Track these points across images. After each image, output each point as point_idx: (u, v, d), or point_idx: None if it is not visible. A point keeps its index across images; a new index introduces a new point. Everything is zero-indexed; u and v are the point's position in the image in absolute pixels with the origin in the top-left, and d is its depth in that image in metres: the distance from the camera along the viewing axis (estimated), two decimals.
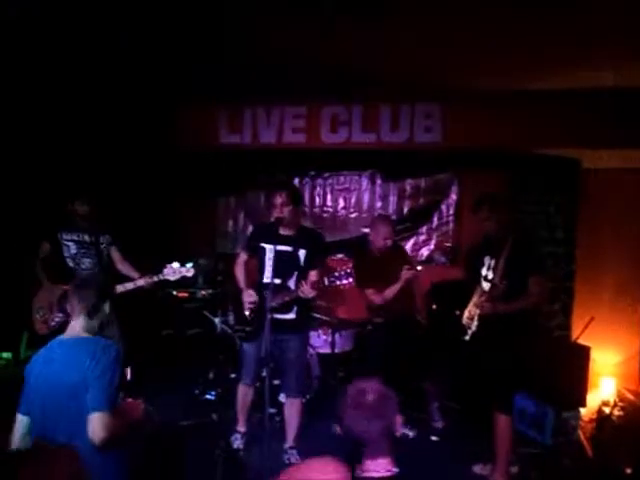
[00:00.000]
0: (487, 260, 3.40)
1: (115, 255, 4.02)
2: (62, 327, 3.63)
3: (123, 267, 3.99)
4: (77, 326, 2.28)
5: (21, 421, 2.20)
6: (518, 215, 4.58)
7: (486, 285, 3.34)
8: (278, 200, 3.36)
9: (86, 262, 3.90)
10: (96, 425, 2.07)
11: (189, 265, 3.68)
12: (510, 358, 3.22)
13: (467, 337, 3.37)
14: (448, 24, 3.08)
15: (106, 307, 2.37)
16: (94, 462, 2.03)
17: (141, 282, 3.70)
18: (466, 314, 3.44)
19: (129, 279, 3.79)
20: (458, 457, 3.62)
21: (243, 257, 3.66)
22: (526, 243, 3.38)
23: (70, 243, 3.90)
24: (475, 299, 3.41)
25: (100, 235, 3.96)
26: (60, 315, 3.66)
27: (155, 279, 3.70)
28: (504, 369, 3.24)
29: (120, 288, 3.64)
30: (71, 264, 3.89)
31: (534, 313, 3.38)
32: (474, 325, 3.34)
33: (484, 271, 3.40)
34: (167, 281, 3.73)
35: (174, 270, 3.66)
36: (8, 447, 2.14)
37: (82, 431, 2.07)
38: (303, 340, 3.66)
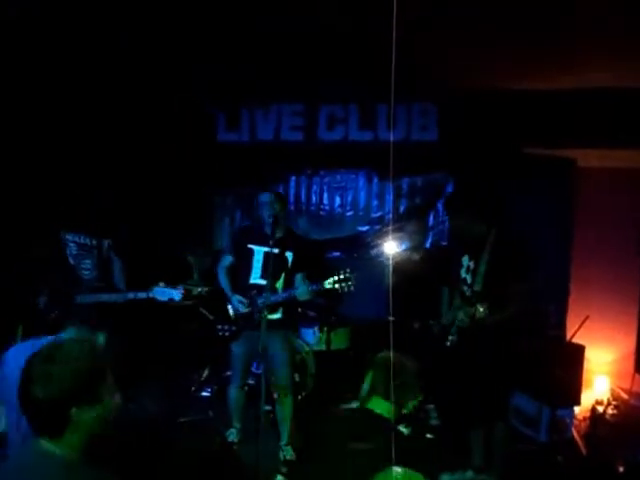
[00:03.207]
0: (466, 261, 3.25)
1: (115, 264, 3.93)
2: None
3: (119, 280, 3.92)
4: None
5: None
6: (514, 214, 4.62)
7: (466, 289, 3.20)
8: (267, 199, 3.41)
9: (86, 264, 3.81)
10: None
11: (179, 289, 3.53)
12: (500, 366, 3.10)
13: (448, 343, 3.20)
14: (446, 22, 3.09)
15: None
16: None
17: (130, 295, 3.56)
18: (445, 319, 3.32)
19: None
20: (452, 454, 3.62)
21: (228, 260, 3.64)
22: (510, 244, 3.13)
23: (71, 244, 3.81)
24: (456, 304, 3.28)
25: (103, 240, 3.89)
26: None
27: (143, 296, 3.54)
28: (496, 377, 3.11)
29: (106, 297, 3.53)
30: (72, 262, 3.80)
31: (522, 315, 3.15)
32: (454, 331, 3.17)
33: (463, 273, 3.25)
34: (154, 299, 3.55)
35: (163, 291, 3.50)
36: None
37: None
38: (288, 339, 3.67)
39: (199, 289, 4.77)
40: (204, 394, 4.51)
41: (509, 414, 3.36)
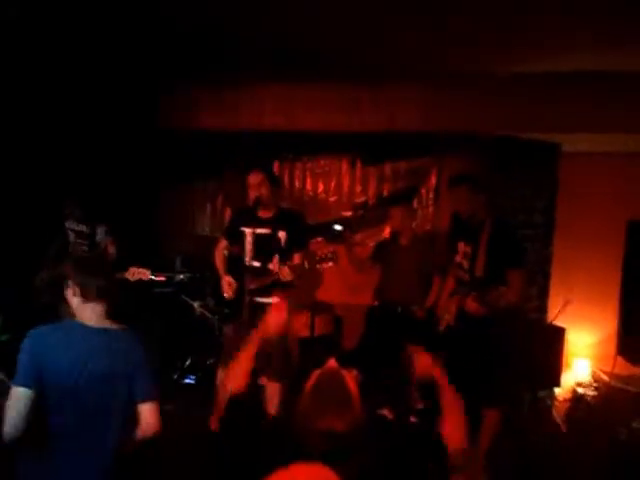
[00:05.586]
0: (462, 247, 3.27)
1: (110, 248, 3.99)
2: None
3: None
4: (99, 311, 2.05)
5: (27, 396, 1.87)
6: (497, 199, 4.62)
7: (463, 275, 3.22)
8: (254, 180, 3.34)
9: (81, 251, 3.91)
10: (153, 414, 2.02)
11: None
12: (497, 354, 3.12)
13: (442, 327, 3.22)
14: (429, 6, 3.05)
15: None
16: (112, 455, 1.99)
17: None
18: (439, 303, 3.35)
19: None
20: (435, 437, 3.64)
21: (223, 243, 3.65)
22: (506, 232, 3.20)
23: (70, 232, 3.94)
24: (449, 287, 3.32)
25: (97, 226, 3.95)
26: None
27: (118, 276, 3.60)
28: (492, 366, 3.12)
29: None
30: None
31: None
32: (448, 316, 3.22)
33: (458, 258, 3.28)
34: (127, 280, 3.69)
35: (133, 272, 3.66)
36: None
37: (111, 424, 1.99)
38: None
39: (181, 276, 4.75)
40: (187, 381, 4.48)
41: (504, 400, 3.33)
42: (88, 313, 2.04)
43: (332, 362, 1.67)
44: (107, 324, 2.06)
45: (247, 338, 2.10)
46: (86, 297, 2.03)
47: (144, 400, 2.03)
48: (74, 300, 2.05)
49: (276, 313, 2.16)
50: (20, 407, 1.86)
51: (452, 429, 1.81)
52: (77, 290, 2.03)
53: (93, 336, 2.01)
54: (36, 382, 1.90)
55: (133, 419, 2.04)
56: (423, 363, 1.95)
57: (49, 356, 1.93)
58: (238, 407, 1.87)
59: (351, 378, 1.59)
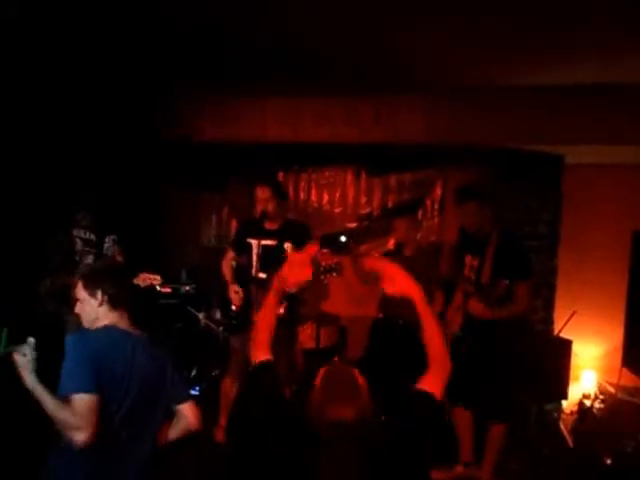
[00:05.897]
0: (469, 260, 3.30)
1: (118, 257, 3.97)
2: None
3: None
4: (126, 319, 2.08)
5: (95, 401, 1.82)
6: (502, 211, 4.62)
7: (470, 288, 3.23)
8: (261, 194, 3.37)
9: (89, 259, 3.89)
10: (194, 412, 2.12)
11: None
12: (502, 367, 3.14)
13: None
14: (433, 17, 3.07)
15: None
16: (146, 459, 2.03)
17: None
18: (446, 316, 3.33)
19: None
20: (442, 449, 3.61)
21: (231, 254, 3.69)
22: (512, 244, 3.23)
23: (78, 240, 3.92)
24: (458, 301, 3.32)
25: (106, 235, 3.94)
26: None
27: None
28: (498, 379, 3.15)
29: None
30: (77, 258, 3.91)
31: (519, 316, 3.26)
32: (454, 325, 3.23)
33: (466, 272, 3.30)
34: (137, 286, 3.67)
35: (144, 277, 3.63)
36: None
37: (149, 428, 2.03)
38: (291, 336, 3.64)
39: (186, 287, 4.77)
40: (192, 393, 4.47)
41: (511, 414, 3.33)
42: (116, 321, 2.04)
43: (337, 359, 1.71)
44: (132, 331, 2.07)
45: (264, 299, 1.99)
46: (115, 305, 2.04)
47: (183, 401, 2.10)
48: (99, 309, 2.03)
49: (298, 260, 1.97)
50: (91, 415, 1.80)
51: (434, 366, 1.76)
52: (105, 299, 2.02)
53: (131, 342, 2.01)
54: (98, 386, 1.84)
55: (167, 421, 2.09)
56: (401, 283, 1.80)
57: (104, 361, 1.91)
58: (262, 374, 1.79)
59: (359, 372, 1.63)
